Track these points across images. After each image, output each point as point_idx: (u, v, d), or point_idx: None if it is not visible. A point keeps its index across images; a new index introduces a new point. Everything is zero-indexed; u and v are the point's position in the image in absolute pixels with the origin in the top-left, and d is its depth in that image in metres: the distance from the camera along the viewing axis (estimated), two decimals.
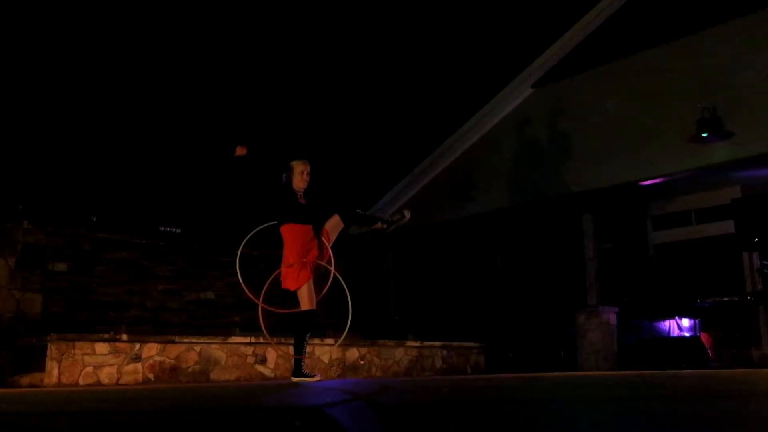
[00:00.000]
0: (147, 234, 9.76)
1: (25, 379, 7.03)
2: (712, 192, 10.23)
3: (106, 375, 6.98)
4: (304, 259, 5.97)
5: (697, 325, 10.50)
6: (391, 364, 9.21)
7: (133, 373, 7.16)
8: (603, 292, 10.61)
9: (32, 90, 11.15)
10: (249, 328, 8.65)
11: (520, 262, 12.38)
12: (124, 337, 7.18)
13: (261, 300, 6.12)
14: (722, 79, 9.28)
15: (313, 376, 6.07)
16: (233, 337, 7.96)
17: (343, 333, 6.43)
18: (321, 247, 6.16)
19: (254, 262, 8.32)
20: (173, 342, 7.49)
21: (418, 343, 9.58)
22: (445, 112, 13.34)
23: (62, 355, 6.76)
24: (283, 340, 7.74)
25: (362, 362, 8.92)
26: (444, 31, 14.02)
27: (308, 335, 6.14)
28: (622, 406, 2.98)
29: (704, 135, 9.00)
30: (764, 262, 9.27)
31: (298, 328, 6.08)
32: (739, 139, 8.89)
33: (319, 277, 6.20)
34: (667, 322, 10.72)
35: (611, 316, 10.18)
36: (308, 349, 6.31)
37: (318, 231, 6.20)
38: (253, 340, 7.99)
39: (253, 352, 8.00)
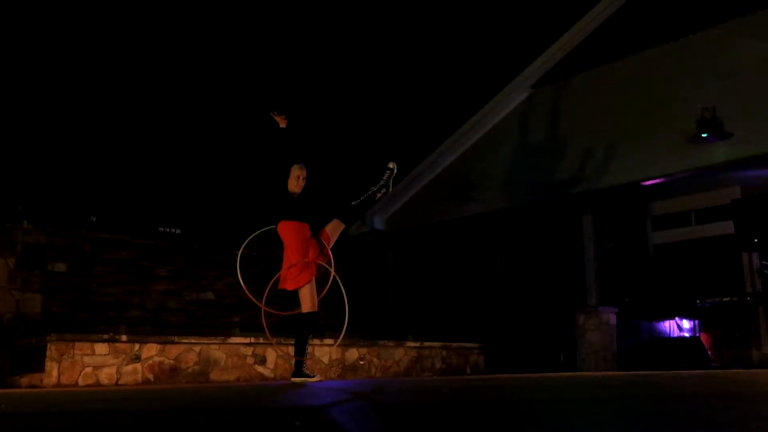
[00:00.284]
0: (147, 234, 9.77)
1: (25, 380, 7.03)
2: (712, 192, 10.22)
3: (106, 375, 6.98)
4: (306, 259, 5.96)
5: (697, 326, 10.49)
6: (391, 365, 9.21)
7: (133, 373, 7.16)
8: (603, 292, 10.61)
9: (32, 90, 11.15)
10: (249, 328, 8.65)
11: (519, 263, 12.37)
12: (124, 337, 7.18)
13: (263, 301, 6.12)
14: (722, 79, 9.27)
15: (312, 377, 6.07)
16: (233, 338, 7.96)
17: (341, 333, 6.43)
18: (321, 248, 6.16)
19: (254, 262, 8.33)
20: (173, 342, 7.49)
21: (417, 344, 9.57)
22: (445, 112, 13.34)
23: (62, 355, 6.75)
24: (283, 341, 7.74)
25: (362, 363, 8.92)
26: (444, 31, 14.02)
27: (310, 337, 6.14)
28: (621, 406, 2.98)
29: (704, 135, 9.00)
30: (764, 262, 9.27)
31: (299, 330, 6.07)
32: (739, 139, 8.89)
33: (319, 278, 6.20)
34: (667, 323, 10.71)
35: (611, 317, 10.17)
36: (308, 349, 6.31)
37: (315, 231, 6.19)
38: (252, 340, 7.98)
39: (253, 352, 7.99)
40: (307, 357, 6.18)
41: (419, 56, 14.34)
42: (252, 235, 6.26)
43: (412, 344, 9.52)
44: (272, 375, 8.08)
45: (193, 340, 7.66)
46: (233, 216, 11.16)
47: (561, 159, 10.70)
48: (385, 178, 6.48)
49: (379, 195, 6.49)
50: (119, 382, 7.04)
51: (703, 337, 10.21)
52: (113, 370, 7.04)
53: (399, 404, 3.28)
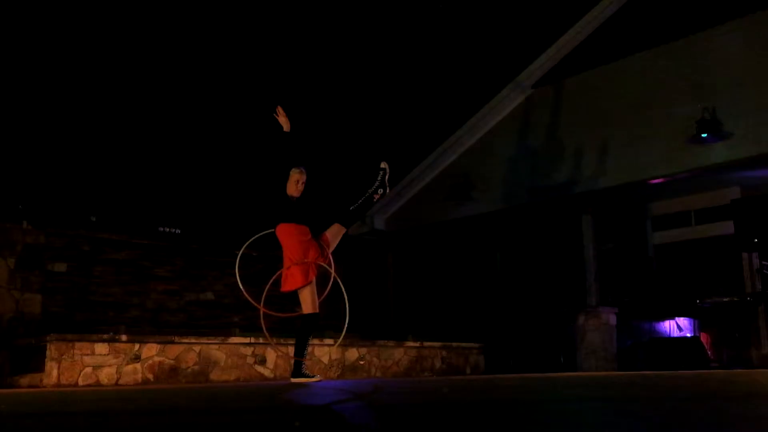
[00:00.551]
0: (146, 234, 9.76)
1: (25, 380, 7.03)
2: (711, 192, 10.23)
3: (106, 375, 6.98)
4: (306, 260, 5.97)
5: (697, 326, 10.50)
6: (391, 365, 9.21)
7: (133, 373, 7.16)
8: (603, 292, 10.61)
9: (32, 90, 11.15)
10: (248, 328, 8.65)
11: (519, 263, 12.38)
12: (124, 337, 7.18)
13: (262, 302, 6.13)
14: (722, 80, 9.27)
15: (312, 377, 6.08)
16: (233, 338, 7.96)
17: (341, 334, 6.43)
18: (321, 249, 6.16)
19: (253, 262, 8.33)
20: (173, 342, 7.49)
21: (417, 344, 9.57)
22: (445, 112, 13.34)
23: (62, 355, 6.75)
24: (282, 341, 7.74)
25: (362, 363, 8.92)
26: (443, 31, 14.02)
27: (310, 338, 6.15)
28: (621, 406, 2.98)
29: (704, 135, 9.01)
30: (764, 262, 9.27)
31: (300, 331, 6.07)
32: (739, 139, 8.89)
33: (319, 279, 6.20)
34: (666, 323, 10.72)
35: (611, 317, 10.18)
36: (308, 349, 6.32)
37: (315, 232, 6.20)
38: (252, 340, 7.98)
39: (253, 352, 8.00)
40: (307, 357, 6.18)
41: (419, 57, 14.35)
42: (252, 238, 6.27)
43: (412, 344, 9.52)
44: (272, 375, 8.08)
45: (193, 340, 7.66)
46: (233, 216, 11.15)
47: (560, 159, 10.71)
48: (379, 179, 6.48)
49: (377, 196, 6.49)
50: (119, 382, 7.04)
51: (703, 337, 10.22)
52: (113, 370, 7.04)
53: (399, 404, 3.28)
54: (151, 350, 7.32)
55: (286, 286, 6.06)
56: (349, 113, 14.20)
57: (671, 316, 10.61)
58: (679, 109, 9.46)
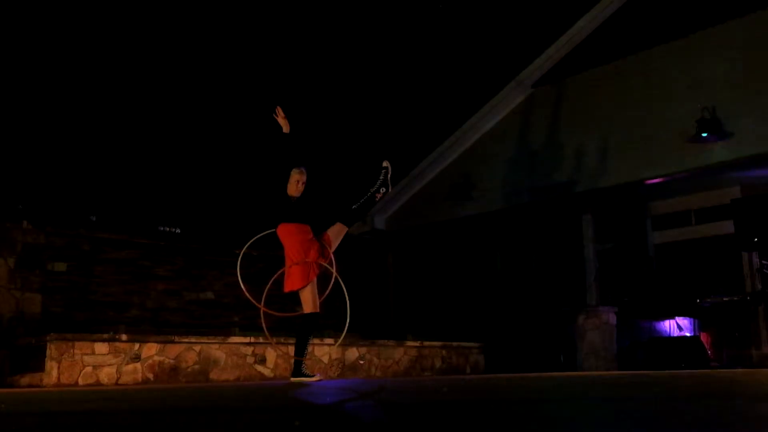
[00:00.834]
0: (147, 234, 9.76)
1: (25, 379, 7.03)
2: (711, 192, 10.23)
3: (106, 375, 6.98)
4: (307, 259, 5.97)
5: (697, 325, 10.50)
6: (391, 364, 9.21)
7: (133, 373, 7.16)
8: (602, 292, 10.61)
9: (32, 90, 11.15)
10: (248, 328, 8.65)
11: (519, 262, 12.38)
12: (124, 337, 7.18)
13: (262, 302, 6.13)
14: (722, 79, 9.27)
15: (312, 376, 6.07)
16: (233, 337, 7.96)
17: (342, 333, 6.44)
18: (322, 249, 6.16)
19: (253, 262, 8.32)
20: (173, 342, 7.49)
21: (417, 343, 9.58)
22: (445, 112, 13.34)
23: (62, 354, 6.76)
24: (282, 340, 7.74)
25: (362, 362, 8.92)
26: (443, 31, 14.02)
27: (311, 338, 6.15)
28: (621, 406, 2.98)
29: (704, 135, 9.01)
30: (764, 262, 9.27)
31: (301, 330, 6.08)
32: (739, 139, 8.89)
33: (320, 279, 6.20)
34: (666, 322, 10.72)
35: (611, 316, 10.18)
36: (308, 349, 6.32)
37: (316, 232, 6.21)
38: (252, 340, 7.99)
39: (253, 352, 8.00)
40: (307, 357, 6.19)
41: (419, 56, 14.34)
42: (254, 238, 6.28)
43: (412, 344, 9.53)
44: (272, 374, 8.08)
45: (193, 340, 7.66)
46: (233, 216, 11.16)
47: (561, 159, 10.71)
48: (381, 177, 6.49)
49: (379, 196, 6.49)
50: (119, 382, 7.04)
51: (703, 337, 10.22)
52: (113, 369, 7.04)
53: (398, 404, 3.28)
54: (151, 350, 7.32)
55: (287, 287, 6.06)
56: (349, 113, 14.20)
57: (671, 316, 10.61)
58: (679, 109, 9.45)
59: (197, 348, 7.63)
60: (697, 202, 10.56)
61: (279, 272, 6.18)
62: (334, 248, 6.27)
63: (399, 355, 9.34)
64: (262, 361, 8.04)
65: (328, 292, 6.21)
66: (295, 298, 6.20)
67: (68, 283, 8.71)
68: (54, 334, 6.84)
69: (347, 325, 6.20)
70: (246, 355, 7.95)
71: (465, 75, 13.88)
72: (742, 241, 9.25)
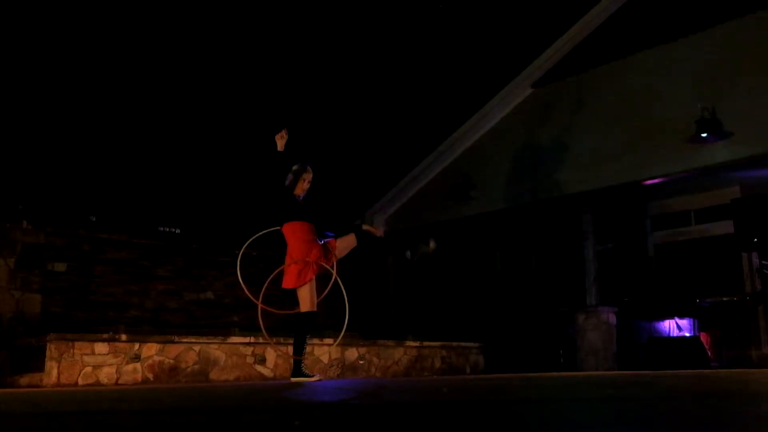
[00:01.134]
0: (146, 234, 9.76)
1: (25, 379, 7.03)
2: (711, 192, 10.23)
3: (106, 375, 6.98)
4: (308, 258, 5.99)
5: (697, 325, 10.49)
6: (391, 364, 9.21)
7: (133, 373, 7.16)
8: (602, 292, 10.61)
9: (32, 90, 11.15)
10: (248, 328, 8.65)
11: (519, 263, 12.38)
12: (124, 337, 7.18)
13: (260, 300, 6.14)
14: (722, 79, 9.27)
15: (312, 376, 6.08)
16: (232, 337, 7.96)
17: (340, 333, 6.45)
18: (325, 252, 6.17)
19: (253, 261, 8.32)
20: (172, 342, 7.49)
21: (417, 343, 9.58)
22: (445, 112, 13.34)
23: (61, 355, 6.75)
24: (282, 340, 7.74)
25: (361, 362, 8.92)
26: (443, 31, 14.02)
27: (308, 336, 6.16)
28: (621, 406, 2.98)
29: (704, 135, 9.01)
30: (764, 262, 9.27)
31: (298, 329, 6.09)
32: (739, 139, 8.89)
33: (320, 278, 6.22)
34: (666, 322, 10.71)
35: (611, 316, 10.18)
36: (307, 348, 6.33)
37: (319, 231, 6.23)
38: (252, 340, 7.99)
39: (253, 352, 8.00)
40: (306, 356, 6.19)
41: (419, 56, 14.34)
42: (254, 236, 6.30)
43: (412, 344, 9.53)
44: (272, 374, 8.08)
45: (192, 340, 7.66)
46: (233, 216, 11.16)
47: (561, 159, 10.71)
48: (421, 249, 6.60)
49: (406, 254, 6.61)
50: (119, 382, 7.04)
51: (703, 337, 10.21)
52: (113, 369, 7.04)
53: (398, 404, 3.28)
54: (150, 350, 7.32)
55: (285, 284, 6.09)
56: (349, 112, 14.19)
57: (671, 316, 10.61)
58: (679, 109, 9.46)
59: (197, 348, 7.63)
60: (696, 202, 10.56)
61: (277, 271, 6.20)
62: (340, 256, 6.30)
63: (399, 355, 9.34)
64: (262, 361, 8.04)
65: (326, 292, 6.23)
66: (294, 296, 6.20)
67: (68, 284, 8.71)
68: (54, 334, 6.84)
69: (345, 324, 6.22)
70: (246, 355, 7.95)
71: (465, 75, 13.88)
72: (741, 241, 9.25)
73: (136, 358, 7.20)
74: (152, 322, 9.24)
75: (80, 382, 6.81)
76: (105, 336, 7.08)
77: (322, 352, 8.47)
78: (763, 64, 8.94)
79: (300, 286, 6.03)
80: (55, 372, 6.70)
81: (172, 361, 7.43)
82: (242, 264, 6.24)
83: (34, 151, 10.80)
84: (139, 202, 11.35)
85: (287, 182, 6.23)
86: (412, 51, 14.37)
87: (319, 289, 6.19)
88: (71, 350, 6.82)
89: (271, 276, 6.20)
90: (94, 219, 9.66)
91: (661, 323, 10.73)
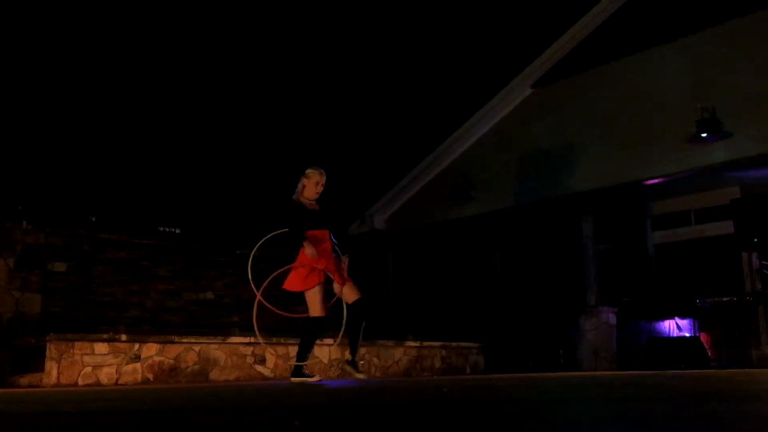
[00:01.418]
0: (146, 234, 9.76)
1: (24, 379, 7.03)
2: (711, 192, 10.23)
3: (106, 375, 6.98)
4: (317, 266, 5.92)
5: (697, 326, 10.49)
6: (391, 364, 9.21)
7: (133, 373, 7.16)
8: (602, 292, 10.61)
9: (32, 91, 11.15)
10: (248, 328, 8.63)
11: (519, 263, 12.38)
12: (124, 337, 7.18)
13: (260, 292, 6.12)
14: (722, 79, 9.28)
15: (312, 377, 6.08)
16: (232, 337, 7.96)
17: (340, 333, 6.45)
18: (336, 264, 6.10)
19: (254, 261, 8.31)
20: (172, 342, 7.49)
21: (417, 343, 9.57)
22: (445, 112, 13.35)
23: (61, 355, 6.75)
24: (282, 341, 7.73)
25: (361, 362, 8.91)
26: (444, 31, 14.03)
27: (313, 342, 6.13)
28: (621, 406, 2.98)
29: (704, 135, 9.01)
30: (763, 262, 9.27)
31: (304, 334, 6.07)
32: (739, 139, 8.90)
33: (328, 284, 6.19)
34: (666, 323, 10.71)
35: (611, 317, 10.18)
36: (309, 353, 6.30)
37: (334, 233, 6.20)
38: (252, 340, 7.98)
39: (253, 352, 8.00)
40: (308, 360, 6.18)
41: (419, 57, 14.35)
42: (264, 238, 6.29)
43: (412, 344, 9.52)
44: (272, 375, 8.08)
45: (192, 340, 7.66)
46: (233, 216, 11.17)
47: (560, 159, 10.71)
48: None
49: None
50: (119, 382, 7.04)
51: (703, 337, 10.21)
52: (113, 369, 7.04)
53: (398, 404, 3.28)
54: (150, 350, 7.32)
55: (289, 285, 6.03)
56: (349, 112, 14.20)
57: (671, 316, 10.61)
58: (678, 109, 9.46)
59: (197, 348, 7.63)
60: (696, 202, 10.56)
61: (278, 271, 6.18)
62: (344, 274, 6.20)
63: (399, 355, 9.34)
64: (262, 361, 8.03)
65: (335, 298, 6.22)
66: (294, 298, 6.19)
67: (68, 283, 8.70)
68: (54, 334, 6.84)
69: (344, 324, 6.23)
70: (246, 356, 7.95)
71: (465, 75, 13.89)
72: (741, 241, 9.25)
73: (136, 358, 7.20)
74: (152, 322, 9.23)
75: (80, 382, 6.81)
76: (105, 336, 7.08)
77: (322, 352, 8.47)
78: (763, 64, 8.95)
79: (307, 291, 5.97)
80: (55, 372, 6.69)
81: (172, 361, 7.43)
82: (244, 264, 6.23)
83: (34, 152, 10.81)
84: (139, 202, 11.36)
85: (299, 188, 6.13)
86: (413, 52, 14.38)
87: (329, 295, 6.18)
88: (71, 350, 6.82)
89: (271, 276, 6.19)
90: (94, 219, 9.67)
91: (661, 323, 10.73)
